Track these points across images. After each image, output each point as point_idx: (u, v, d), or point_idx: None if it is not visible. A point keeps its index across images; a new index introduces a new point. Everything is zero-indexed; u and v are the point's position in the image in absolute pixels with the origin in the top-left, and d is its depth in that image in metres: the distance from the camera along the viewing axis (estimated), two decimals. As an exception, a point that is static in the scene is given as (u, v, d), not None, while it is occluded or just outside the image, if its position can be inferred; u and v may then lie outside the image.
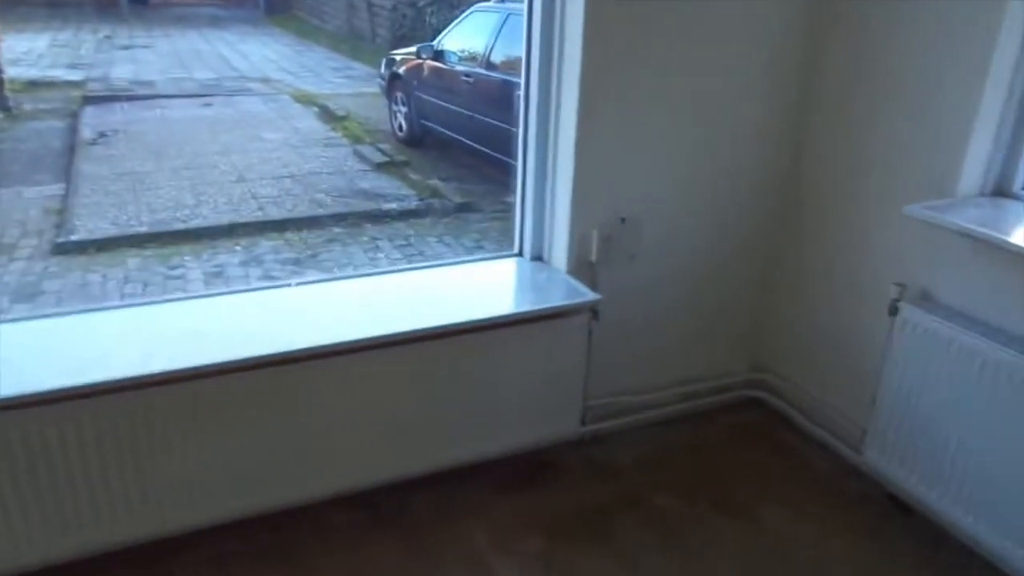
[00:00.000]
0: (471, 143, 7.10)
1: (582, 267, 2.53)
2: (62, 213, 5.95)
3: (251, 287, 2.37)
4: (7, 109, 9.81)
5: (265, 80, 13.26)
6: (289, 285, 2.34)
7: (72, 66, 14.49)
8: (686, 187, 2.55)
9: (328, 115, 9.85)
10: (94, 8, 22.76)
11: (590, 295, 2.34)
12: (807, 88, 2.56)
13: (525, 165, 2.54)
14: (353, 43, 18.19)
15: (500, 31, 6.58)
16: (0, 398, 1.69)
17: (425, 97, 7.79)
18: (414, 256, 5.27)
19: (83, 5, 22.56)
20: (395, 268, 2.57)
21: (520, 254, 2.66)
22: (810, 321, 2.75)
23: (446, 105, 7.40)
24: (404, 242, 5.56)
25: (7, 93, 10.07)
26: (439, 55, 7.47)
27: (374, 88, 11.47)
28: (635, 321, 2.63)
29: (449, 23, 13.35)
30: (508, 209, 6.40)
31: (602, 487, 2.49)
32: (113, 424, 1.83)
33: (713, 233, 2.66)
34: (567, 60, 2.32)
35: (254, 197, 6.45)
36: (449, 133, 7.51)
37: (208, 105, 10.52)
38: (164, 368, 1.84)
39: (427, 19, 13.96)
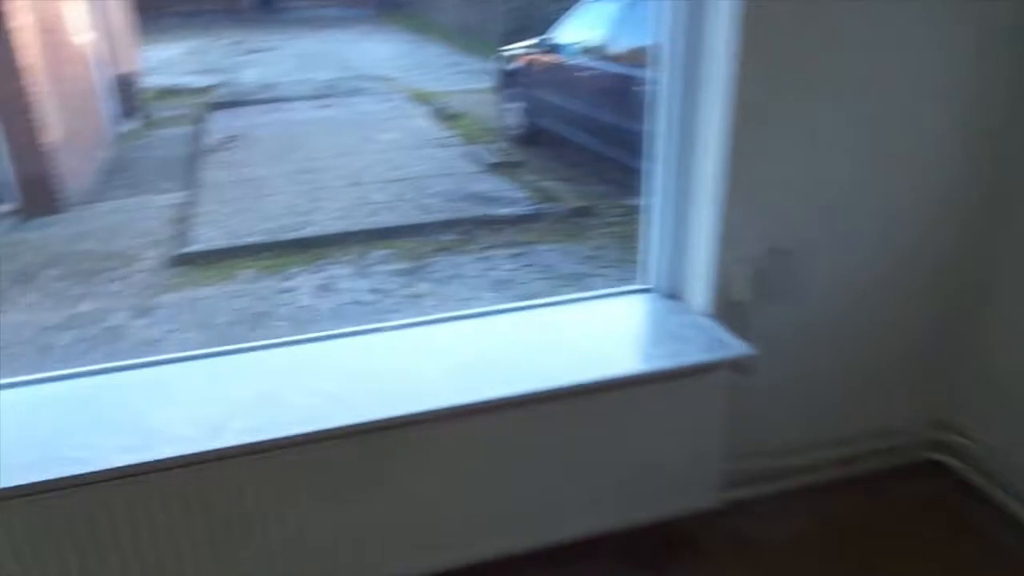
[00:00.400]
0: (588, 142, 6.72)
1: (726, 308, 2.12)
2: (183, 222, 6.03)
3: (343, 332, 2.08)
4: (144, 117, 10.26)
5: (381, 79, 13.34)
6: (382, 330, 2.05)
7: (204, 72, 15.12)
8: (857, 214, 2.09)
9: (441, 114, 9.71)
10: (224, 15, 23.84)
11: (738, 346, 1.93)
12: (1013, 112, 2.05)
13: (656, 180, 2.16)
14: (467, 38, 18.13)
15: (620, 21, 6.16)
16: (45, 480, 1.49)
17: (539, 94, 7.47)
18: (527, 266, 4.97)
19: (215, 13, 23.67)
20: (504, 307, 2.23)
21: (649, 289, 2.28)
22: (1008, 369, 2.23)
23: (561, 102, 7.05)
24: (517, 250, 5.26)
25: (144, 101, 10.53)
26: (554, 49, 7.12)
27: (487, 84, 11.27)
28: (790, 370, 2.20)
29: (567, 10, 13.05)
30: (628, 214, 5.99)
31: (748, 571, 2.09)
32: (183, 501, 1.61)
33: (887, 267, 2.19)
34: (716, 52, 1.92)
35: (366, 203, 6.34)
36: (564, 132, 7.16)
37: (327, 106, 10.62)
38: (235, 442, 1.60)
39: (541, 12, 13.63)
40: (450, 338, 2.09)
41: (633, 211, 6.06)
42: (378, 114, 9.99)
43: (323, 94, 11.77)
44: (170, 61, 16.80)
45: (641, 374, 1.90)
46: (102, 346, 4.09)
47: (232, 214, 6.16)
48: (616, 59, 6.19)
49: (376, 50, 17.56)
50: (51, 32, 7.06)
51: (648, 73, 2.15)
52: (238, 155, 8.21)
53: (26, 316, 4.46)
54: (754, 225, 2.06)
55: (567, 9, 12.44)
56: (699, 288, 2.16)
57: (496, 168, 7.19)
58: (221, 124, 9.81)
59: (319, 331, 2.10)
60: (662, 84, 2.10)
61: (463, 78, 13.12)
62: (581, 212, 5.95)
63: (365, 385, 1.84)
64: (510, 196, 6.37)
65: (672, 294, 2.27)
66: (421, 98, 10.91)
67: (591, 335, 2.13)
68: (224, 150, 8.46)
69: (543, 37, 7.47)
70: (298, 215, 6.06)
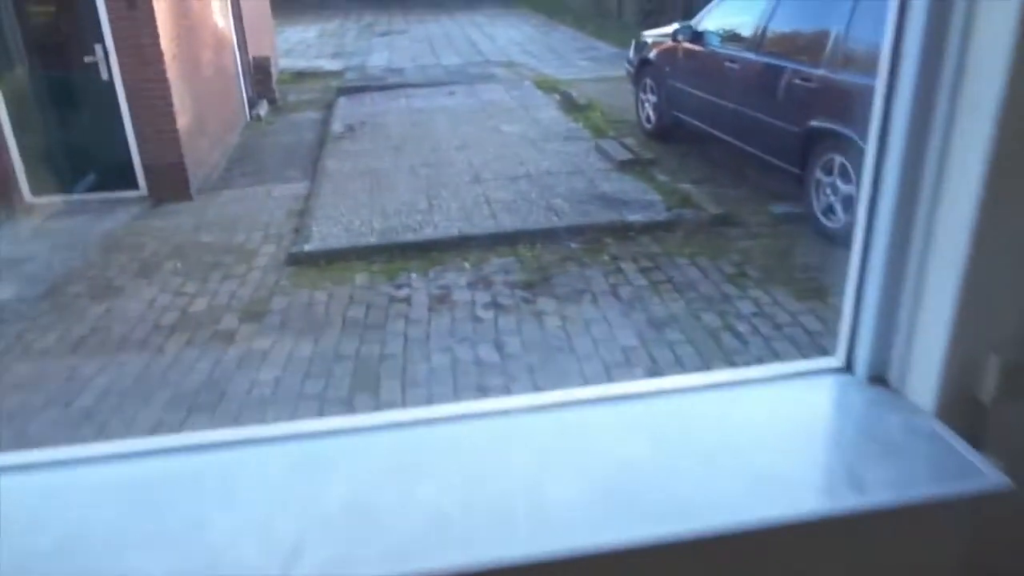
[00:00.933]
0: (731, 139, 6.09)
1: (961, 407, 1.55)
2: (303, 215, 5.88)
3: (450, 411, 1.62)
4: (273, 102, 10.34)
5: (508, 64, 12.98)
6: (486, 415, 1.61)
7: (335, 55, 15.27)
8: None
9: (570, 103, 9.23)
10: (360, -3, 24.21)
11: (989, 473, 1.37)
12: None
13: (875, 223, 1.59)
14: (599, 21, 17.50)
15: (776, 9, 5.47)
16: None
17: (679, 85, 6.86)
18: (664, 282, 4.45)
19: (350, -5, 24.06)
20: (648, 389, 1.69)
21: (846, 368, 1.73)
22: None
23: (703, 95, 6.42)
24: (649, 263, 4.75)
25: (275, 85, 10.62)
26: (698, 37, 6.49)
27: (619, 71, 10.67)
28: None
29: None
30: (774, 224, 5.35)
31: None
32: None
33: None
34: (985, 64, 1.34)
35: (487, 201, 5.98)
36: (704, 127, 6.53)
37: (452, 94, 10.36)
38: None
39: (680, -8, 12.84)
40: (579, 427, 1.63)
41: (780, 221, 5.42)
42: (504, 103, 9.63)
43: (449, 80, 11.53)
44: (305, 43, 17.11)
45: (839, 514, 1.38)
46: (210, 353, 3.92)
47: (351, 209, 5.95)
48: (769, 50, 5.51)
49: (505, 33, 17.23)
50: (188, 16, 7.09)
51: (855, 78, 1.59)
52: (361, 143, 8.06)
53: (141, 312, 4.38)
54: (1009, 301, 1.49)
55: None
56: (924, 376, 1.60)
57: (627, 166, 6.66)
58: (347, 110, 9.73)
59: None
60: (893, 100, 1.53)
61: (593, 64, 12.56)
62: (722, 220, 5.35)
63: (467, 499, 1.42)
64: (643, 199, 5.85)
65: (879, 378, 1.72)
66: (549, 85, 10.45)
67: (770, 438, 1.61)
68: (348, 138, 8.33)
69: (684, 24, 6.83)
70: (417, 213, 5.77)
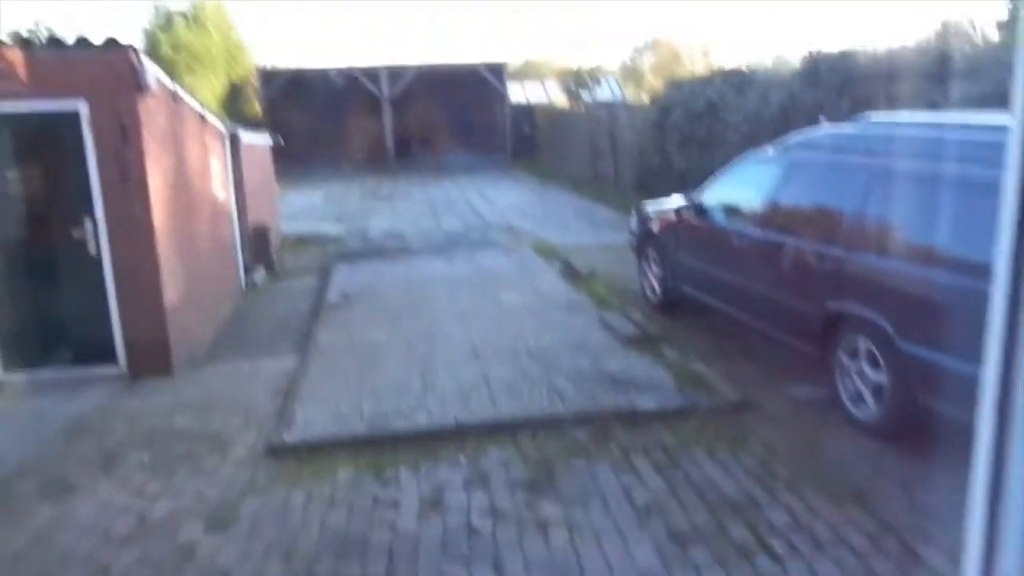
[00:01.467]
0: (741, 315, 5.80)
1: None
2: (288, 396, 5.48)
3: None
4: (271, 268, 10.23)
5: (508, 229, 13.05)
6: None
7: (338, 219, 15.45)
8: None
9: (571, 272, 9.08)
10: (366, 162, 25.09)
11: None
12: None
13: (998, 451, 1.17)
14: (596, 185, 17.90)
15: (782, 185, 5.34)
16: None
17: (684, 259, 6.68)
18: (683, 484, 3.97)
19: (358, 160, 24.95)
20: None
21: None
22: None
23: (711, 270, 6.21)
24: (664, 457, 4.30)
25: (273, 252, 10.55)
26: (702, 210, 6.37)
27: (619, 237, 10.63)
28: None
29: (699, 167, 12.45)
30: (796, 410, 4.93)
31: None
32: None
33: None
34: None
35: (486, 381, 5.60)
36: (713, 302, 6.28)
37: (450, 261, 10.26)
38: None
39: (675, 163, 13.12)
40: None
41: (803, 406, 5.01)
42: (504, 270, 9.49)
43: (449, 246, 11.51)
44: (311, 206, 17.42)
45: None
46: (165, 572, 3.39)
47: (340, 388, 5.56)
48: (779, 226, 5.34)
49: (505, 197, 17.59)
50: (185, 189, 7.03)
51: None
52: (357, 314, 7.80)
53: (93, 518, 3.87)
54: None
55: (703, 162, 11.89)
56: None
57: (634, 341, 6.34)
58: (345, 277, 9.58)
59: None
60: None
61: (593, 230, 12.62)
62: (739, 406, 4.95)
63: None
64: (652, 379, 5.47)
65: None
66: (549, 252, 10.38)
67: None
68: (343, 308, 8.09)
69: (689, 195, 6.75)
70: (410, 394, 5.38)
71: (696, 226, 6.45)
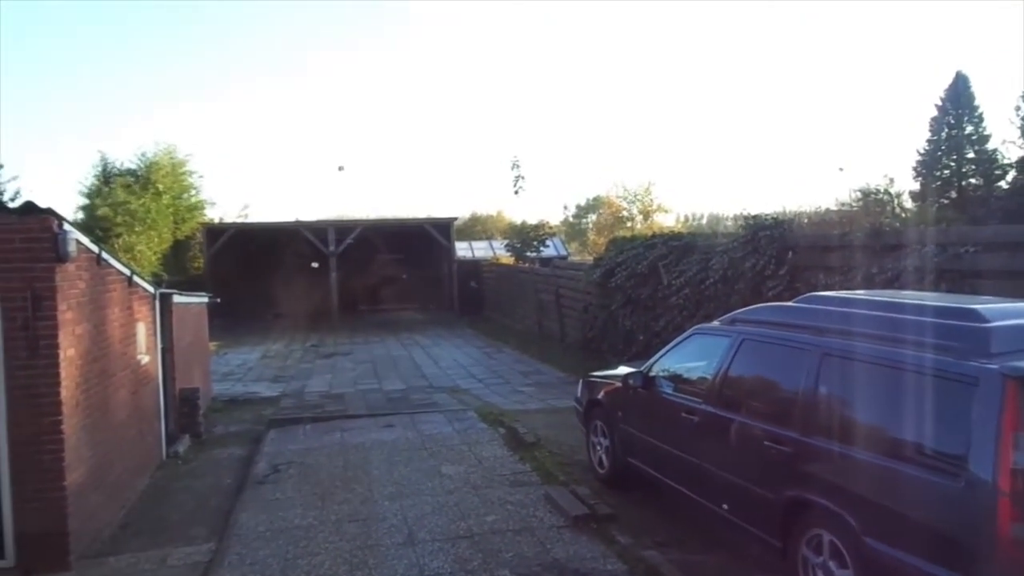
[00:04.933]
0: (695, 496, 5.47)
1: None
2: (196, 597, 4.84)
3: None
4: (198, 436, 9.57)
5: (452, 390, 12.66)
6: None
7: (275, 379, 14.83)
8: None
9: (516, 440, 8.68)
10: (309, 317, 24.69)
11: None
12: None
13: None
14: (542, 344, 17.79)
15: (732, 361, 5.20)
16: None
17: (632, 431, 6.40)
18: None
19: (299, 316, 24.55)
20: None
21: None
22: None
23: (660, 444, 5.93)
24: (619, 671, 3.81)
25: (201, 418, 9.92)
26: (649, 382, 6.17)
27: (565, 401, 10.36)
28: None
29: (644, 327, 12.49)
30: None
31: None
32: None
33: None
34: None
35: (421, 575, 5.06)
36: (664, 479, 5.95)
37: (390, 427, 9.76)
38: None
39: (620, 322, 13.16)
40: None
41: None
42: (446, 437, 9.03)
43: (390, 409, 11.03)
44: (246, 365, 16.78)
45: None
46: None
47: (257, 587, 4.96)
48: (729, 403, 5.14)
49: (450, 355, 17.28)
50: (103, 358, 6.57)
51: None
52: (284, 490, 7.20)
53: None
54: None
55: (647, 323, 11.92)
56: None
57: (582, 522, 5.91)
58: (276, 446, 8.98)
59: None
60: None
61: (539, 391, 12.32)
62: (700, 604, 4.52)
63: None
64: (603, 570, 5.02)
65: None
66: (494, 417, 9.99)
67: None
68: (271, 483, 7.48)
69: (634, 369, 6.56)
70: (335, 593, 4.81)
71: (644, 397, 6.22)
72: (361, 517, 6.32)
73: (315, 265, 25.79)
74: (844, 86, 78.09)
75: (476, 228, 41.85)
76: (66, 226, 5.54)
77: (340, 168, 52.44)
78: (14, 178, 20.63)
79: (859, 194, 13.86)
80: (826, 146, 71.16)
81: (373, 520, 6.24)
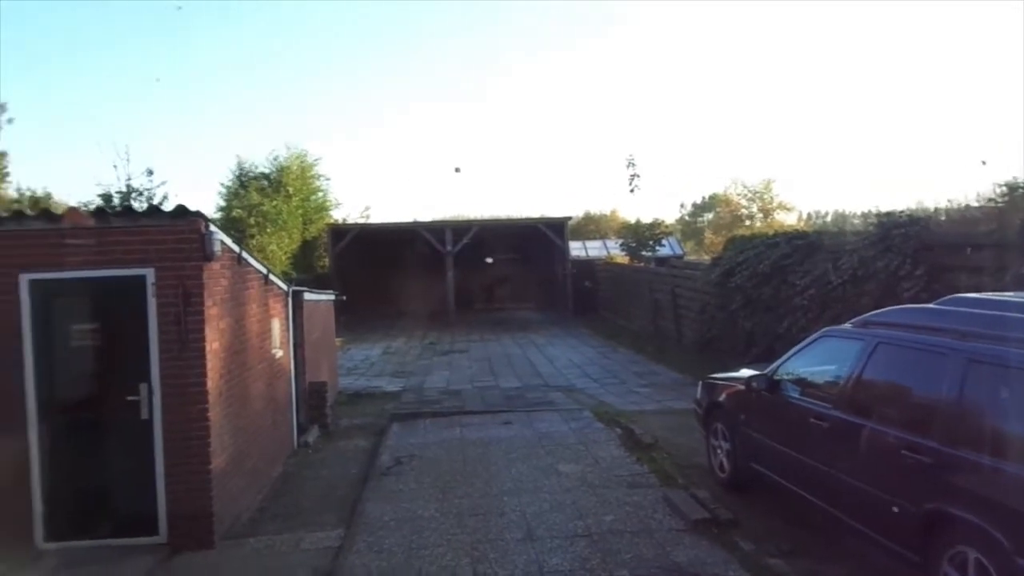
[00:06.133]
0: (822, 503, 5.25)
1: None
2: (328, 579, 5.11)
3: None
4: (325, 427, 10.04)
5: (568, 390, 12.70)
6: None
7: (395, 374, 15.36)
8: None
9: (633, 441, 8.61)
10: (427, 316, 25.39)
11: None
12: None
13: None
14: (658, 343, 17.54)
15: (866, 365, 4.96)
16: None
17: (755, 435, 6.23)
18: None
19: (418, 314, 25.28)
20: None
21: None
22: None
23: (785, 449, 5.74)
24: None
25: (328, 410, 10.40)
26: (775, 385, 5.98)
27: (683, 403, 10.19)
28: None
29: (766, 329, 12.06)
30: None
31: None
32: None
33: None
34: None
35: (541, 571, 5.13)
36: (788, 485, 5.75)
37: (507, 424, 9.92)
38: None
39: (740, 323, 12.79)
40: None
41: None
42: (563, 436, 9.08)
43: (507, 407, 11.19)
44: (369, 361, 17.45)
45: None
46: None
47: (385, 573, 5.17)
48: (863, 410, 4.91)
49: (565, 355, 17.32)
50: (243, 352, 7.01)
51: None
52: (407, 482, 7.45)
53: None
54: None
55: (770, 325, 11.51)
56: None
57: (703, 527, 5.81)
58: (398, 440, 9.30)
59: None
60: None
61: (655, 392, 12.17)
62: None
63: None
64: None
65: None
66: (609, 417, 9.95)
67: None
68: (394, 474, 7.76)
69: (760, 367, 6.38)
70: (458, 584, 4.94)
71: (769, 401, 6.04)
72: (481, 511, 6.46)
73: (432, 264, 26.43)
74: (986, 75, 72.63)
75: (589, 227, 41.73)
76: (212, 227, 5.96)
77: (456, 170, 53.66)
78: (163, 183, 22.32)
79: (1005, 188, 12.87)
80: (963, 139, 66.34)
81: (492, 515, 6.36)
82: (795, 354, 6.02)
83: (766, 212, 44.61)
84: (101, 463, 5.94)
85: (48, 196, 24.71)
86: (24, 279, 5.75)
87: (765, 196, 44.86)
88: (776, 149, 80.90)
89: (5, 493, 5.69)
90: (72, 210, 5.96)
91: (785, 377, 5.94)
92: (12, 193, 25.76)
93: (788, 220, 42.16)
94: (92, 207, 11.87)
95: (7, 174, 26.63)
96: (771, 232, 14.87)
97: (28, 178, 49.53)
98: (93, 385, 6.00)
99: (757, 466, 6.25)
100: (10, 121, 26.44)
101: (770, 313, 11.56)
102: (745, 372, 6.77)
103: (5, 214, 6.01)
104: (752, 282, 12.05)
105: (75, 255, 5.74)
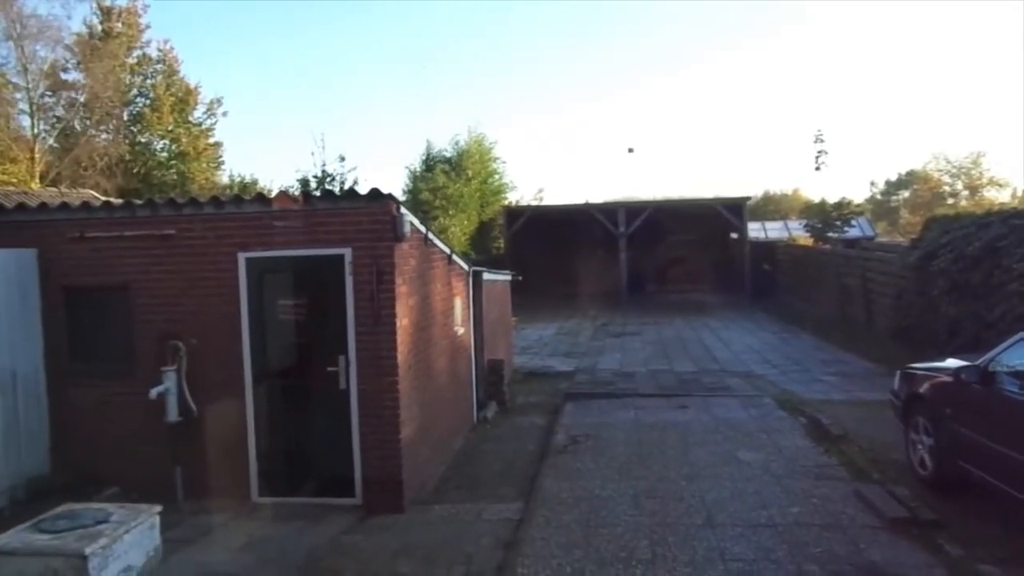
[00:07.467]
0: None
1: None
2: (509, 550, 5.28)
3: None
4: (502, 403, 10.35)
5: (746, 375, 12.24)
6: None
7: (568, 354, 15.53)
8: None
9: (819, 431, 8.16)
10: (599, 297, 25.40)
11: None
12: None
13: None
14: (845, 331, 16.45)
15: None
16: None
17: (966, 432, 5.69)
18: None
19: (591, 295, 25.34)
20: None
21: None
22: None
23: (1001, 448, 5.20)
24: None
25: (505, 387, 10.71)
26: (989, 378, 5.43)
27: (875, 394, 9.52)
28: None
29: (973, 317, 10.92)
30: None
31: None
32: None
33: None
34: None
35: (722, 558, 5.01)
36: (1004, 486, 5.21)
37: (683, 408, 9.73)
38: None
39: (942, 310, 11.69)
40: None
41: None
42: (742, 423, 8.78)
43: (682, 391, 10.98)
44: (542, 340, 17.76)
45: None
46: None
47: (563, 548, 5.27)
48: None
49: (741, 339, 16.71)
50: (430, 327, 7.36)
51: None
52: (583, 461, 7.52)
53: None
54: None
55: (978, 312, 10.41)
56: None
57: (902, 526, 5.41)
58: (573, 418, 9.41)
59: None
60: None
61: (843, 382, 11.44)
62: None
63: None
64: (929, 581, 4.55)
65: None
66: (792, 406, 9.49)
67: None
68: (570, 452, 7.86)
69: (971, 358, 5.82)
70: (637, 564, 4.94)
71: (981, 395, 5.49)
72: (658, 494, 6.39)
73: (605, 245, 26.35)
74: None
75: (769, 208, 39.84)
76: (402, 209, 6.28)
77: (630, 150, 52.93)
78: (353, 168, 23.96)
79: None
80: None
81: (670, 498, 6.27)
82: (1014, 344, 5.42)
83: (973, 189, 40.43)
84: (305, 428, 6.48)
85: (255, 182, 27.18)
86: (241, 257, 6.37)
87: (973, 172, 40.64)
88: (985, 119, 72.89)
89: (230, 451, 6.36)
90: (282, 193, 6.49)
91: (1001, 369, 5.37)
92: (225, 180, 28.56)
93: (1000, 197, 37.98)
94: (296, 191, 12.88)
95: (222, 162, 29.55)
96: (981, 211, 13.46)
97: (238, 164, 54.78)
98: (297, 356, 6.55)
99: (965, 464, 5.72)
100: (225, 114, 29.33)
101: (979, 300, 10.47)
102: (952, 362, 6.20)
103: (225, 198, 6.66)
104: (958, 266, 10.97)
105: (283, 235, 6.27)
